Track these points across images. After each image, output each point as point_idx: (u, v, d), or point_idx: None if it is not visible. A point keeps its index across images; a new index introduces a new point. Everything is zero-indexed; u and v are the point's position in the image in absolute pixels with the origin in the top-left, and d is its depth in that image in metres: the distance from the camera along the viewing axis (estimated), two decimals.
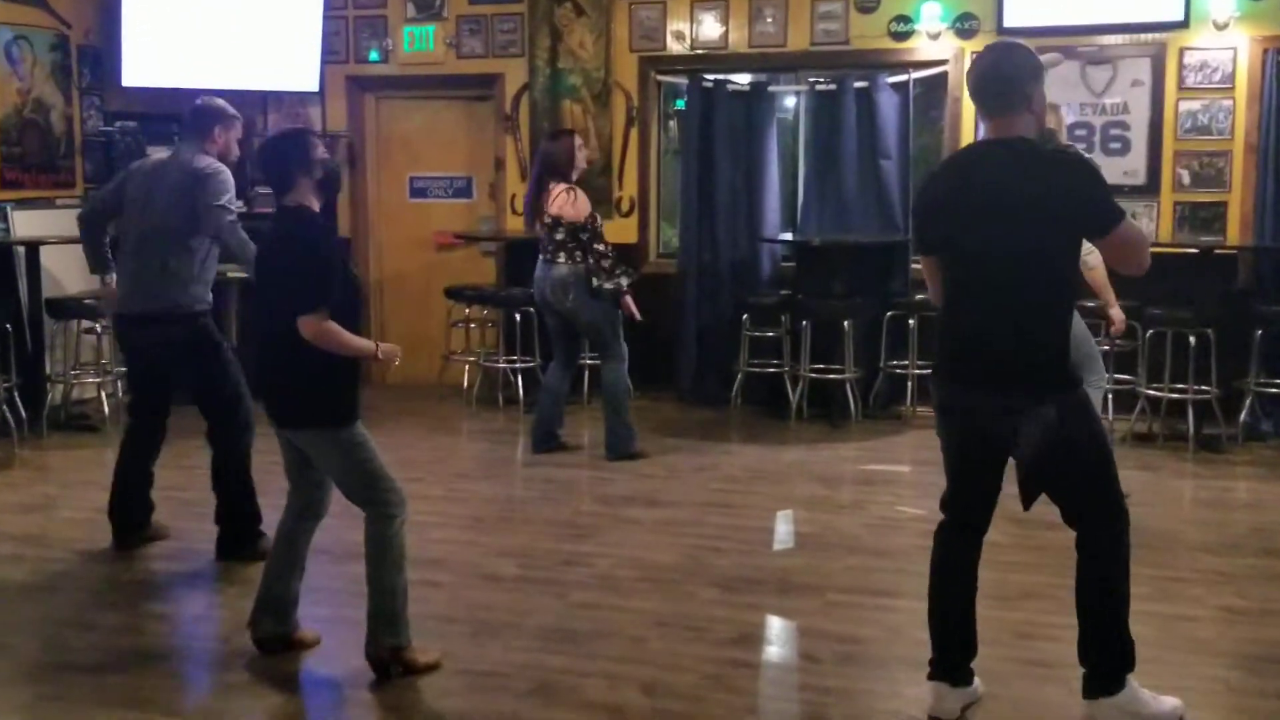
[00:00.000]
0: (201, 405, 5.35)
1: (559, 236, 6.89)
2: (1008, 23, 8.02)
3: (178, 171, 5.26)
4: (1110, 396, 7.54)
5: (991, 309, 3.59)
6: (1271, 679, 4.07)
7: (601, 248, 6.91)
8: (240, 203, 6.04)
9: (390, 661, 4.04)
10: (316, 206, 4.07)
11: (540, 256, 7.04)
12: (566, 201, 6.90)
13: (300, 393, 4.01)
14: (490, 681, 4.02)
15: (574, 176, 7.01)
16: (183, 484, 6.22)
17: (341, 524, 5.84)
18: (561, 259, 6.90)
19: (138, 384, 5.53)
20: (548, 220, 6.91)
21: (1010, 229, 3.51)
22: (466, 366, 8.76)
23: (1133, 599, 4.66)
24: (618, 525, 5.77)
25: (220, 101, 5.45)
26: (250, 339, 5.96)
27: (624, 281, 6.97)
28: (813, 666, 4.20)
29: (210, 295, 5.39)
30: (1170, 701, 3.74)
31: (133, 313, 5.30)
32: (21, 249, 7.97)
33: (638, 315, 7.03)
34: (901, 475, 6.93)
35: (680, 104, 8.96)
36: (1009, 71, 3.60)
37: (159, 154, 5.91)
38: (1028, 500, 3.74)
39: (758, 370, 8.31)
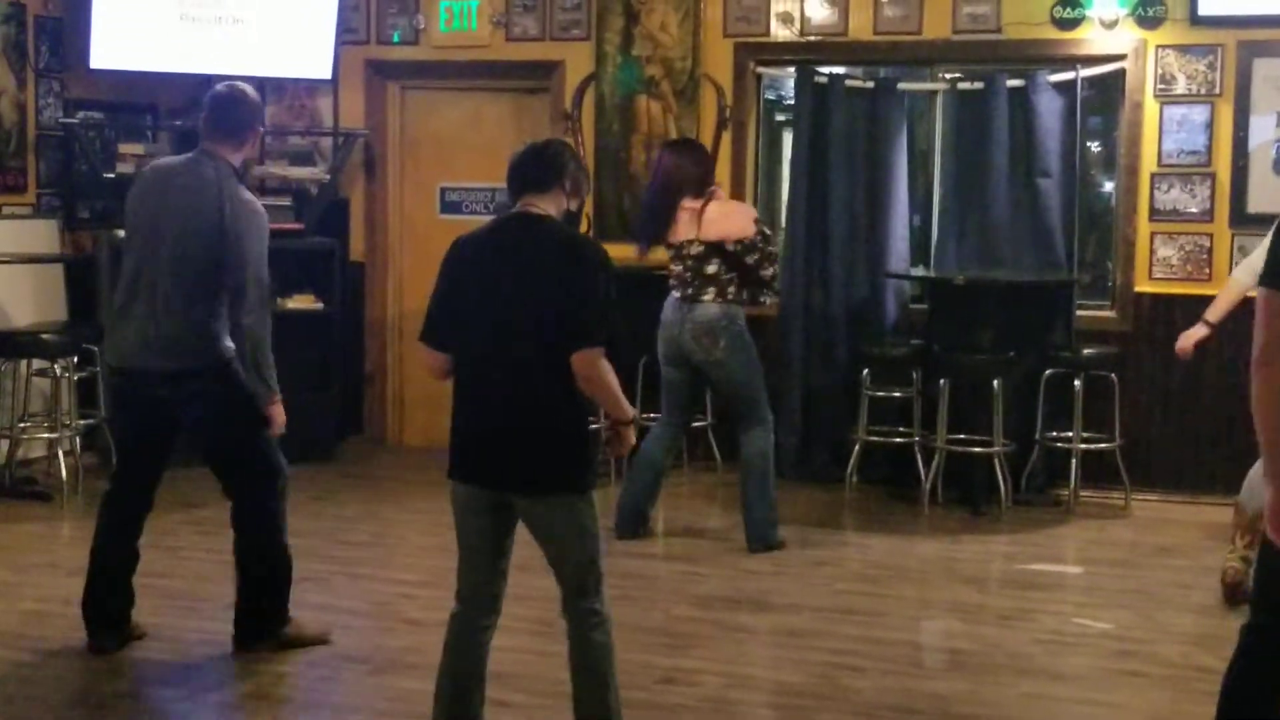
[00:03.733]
0: (227, 465, 5.39)
1: (710, 269, 6.87)
2: (1203, 10, 8.05)
3: (212, 193, 5.19)
4: None
5: None
6: None
7: (774, 270, 6.97)
8: None
9: None
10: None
11: (673, 294, 7.03)
12: (726, 217, 6.90)
13: (554, 448, 4.05)
14: None
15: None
16: (166, 569, 6.27)
17: (373, 625, 5.91)
18: (709, 296, 6.88)
19: (133, 447, 5.51)
20: (697, 250, 6.88)
21: None
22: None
23: None
24: (724, 635, 5.75)
25: (252, 91, 5.49)
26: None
27: None
28: None
29: None
30: None
31: (152, 369, 5.24)
32: None
33: None
34: (1071, 578, 6.91)
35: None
36: None
37: (164, 159, 5.83)
38: None
39: (880, 441, 8.29)
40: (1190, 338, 7.11)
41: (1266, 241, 3.67)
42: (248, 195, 5.31)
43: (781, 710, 4.99)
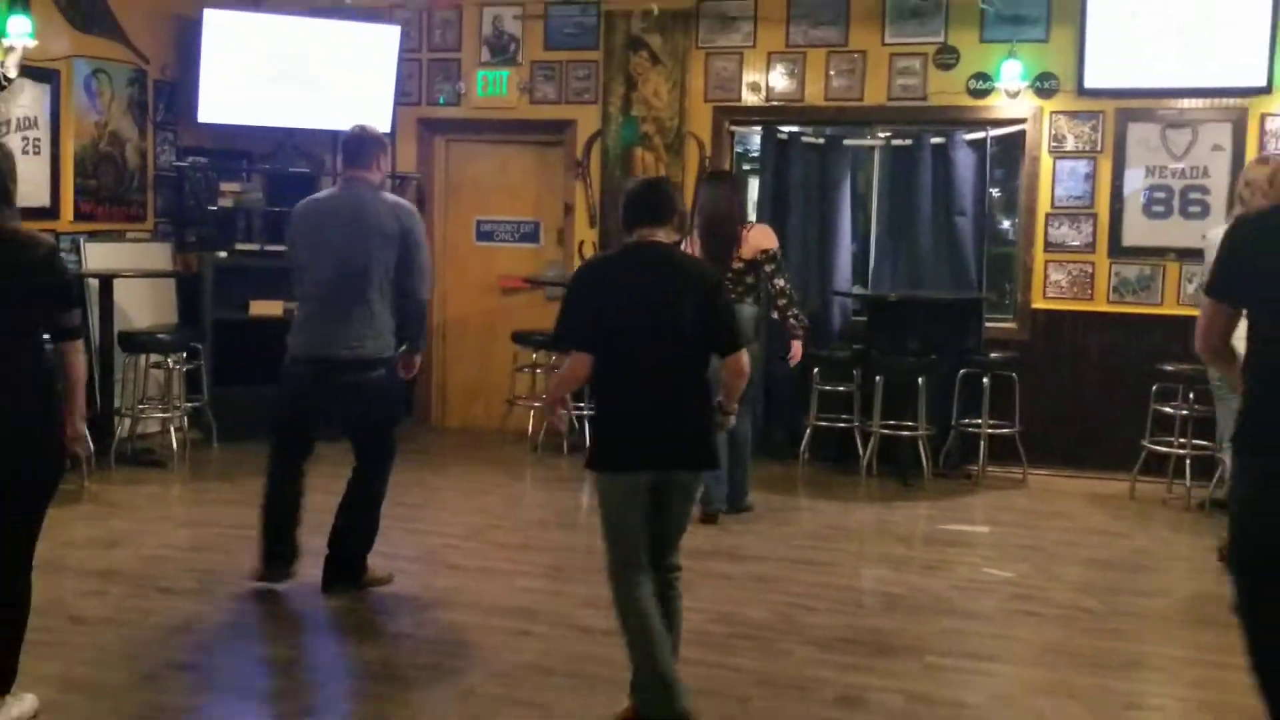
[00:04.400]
0: (370, 438, 5.37)
1: (749, 279, 6.81)
2: (1088, 83, 8.05)
3: (383, 206, 5.24)
4: (1188, 462, 7.51)
5: None
6: None
7: (785, 279, 6.89)
8: None
9: None
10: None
11: None
12: (763, 235, 6.86)
13: (704, 428, 4.03)
14: None
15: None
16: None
17: (424, 569, 5.83)
18: (750, 301, 6.83)
19: (301, 424, 5.38)
20: (739, 265, 6.75)
21: None
22: (531, 412, 8.75)
23: (1230, 670, 4.63)
24: (706, 580, 5.72)
25: (375, 129, 5.49)
26: None
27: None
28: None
29: None
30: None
31: (339, 357, 5.17)
32: (95, 282, 8.03)
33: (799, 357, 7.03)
34: (982, 536, 6.87)
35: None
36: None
37: (319, 194, 5.74)
38: None
39: (827, 425, 8.27)
40: None
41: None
42: (402, 199, 5.44)
43: (752, 640, 4.96)
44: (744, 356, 4.00)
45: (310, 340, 5.21)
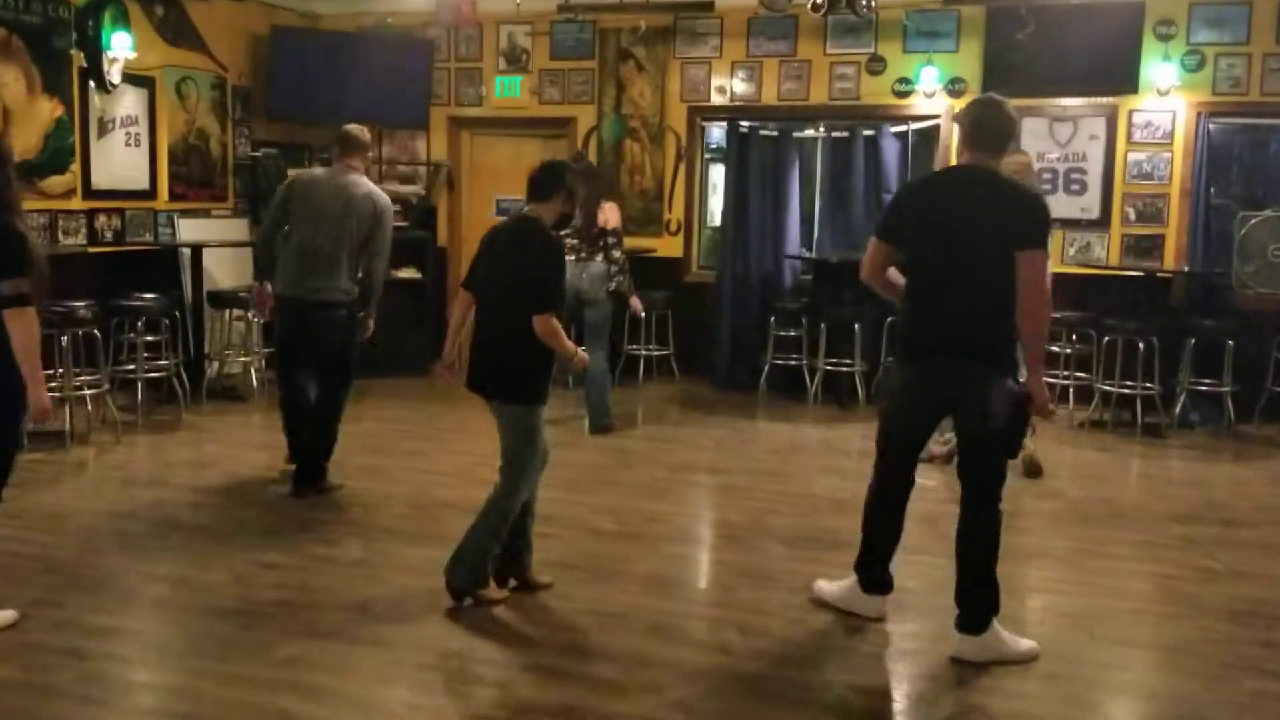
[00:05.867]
0: (331, 362, 5.30)
1: (601, 243, 6.66)
2: (990, 88, 7.80)
3: (364, 189, 5.28)
4: (1071, 390, 7.41)
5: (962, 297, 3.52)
6: (1255, 630, 3.90)
7: (620, 251, 6.80)
8: None
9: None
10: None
11: (575, 257, 6.50)
12: (613, 211, 6.81)
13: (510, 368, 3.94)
14: (613, 621, 3.83)
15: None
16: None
17: (459, 481, 5.69)
18: (599, 259, 6.66)
19: (286, 343, 5.39)
20: (595, 232, 6.64)
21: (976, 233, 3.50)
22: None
23: (1121, 559, 4.53)
24: (688, 489, 5.59)
25: (360, 129, 5.46)
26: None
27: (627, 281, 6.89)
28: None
29: None
30: (1027, 644, 3.60)
31: (309, 299, 5.22)
32: (187, 251, 7.75)
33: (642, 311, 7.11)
34: None
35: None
36: (1006, 124, 3.64)
37: (312, 170, 5.88)
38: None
39: (781, 362, 8.10)
40: None
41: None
42: (377, 188, 5.40)
43: (729, 539, 4.83)
44: (546, 321, 3.78)
45: (291, 282, 5.21)
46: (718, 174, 8.91)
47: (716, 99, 8.50)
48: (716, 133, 8.89)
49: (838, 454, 6.52)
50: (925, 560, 4.44)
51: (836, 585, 3.98)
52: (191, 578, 4.17)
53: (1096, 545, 4.79)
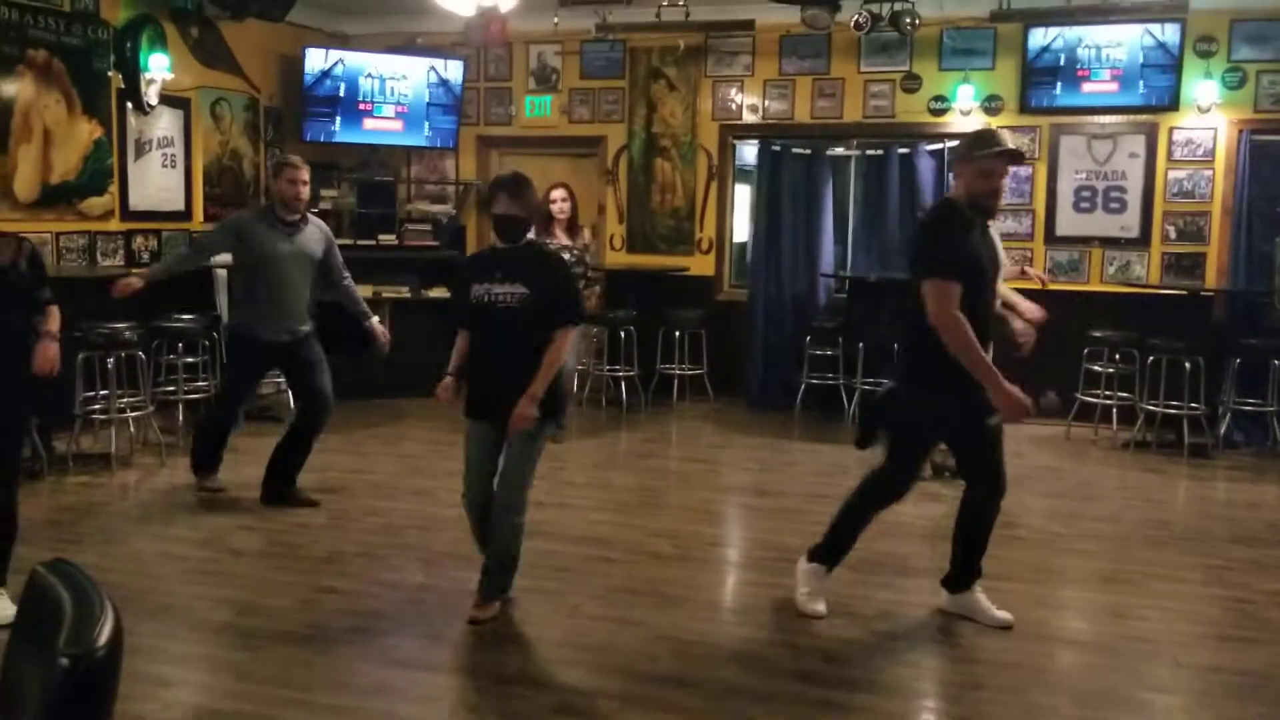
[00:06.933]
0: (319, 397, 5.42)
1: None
2: (1029, 104, 7.83)
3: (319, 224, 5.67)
4: (1114, 410, 7.38)
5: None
6: None
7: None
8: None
9: None
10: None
11: None
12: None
13: None
14: (692, 649, 3.79)
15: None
16: (368, 467, 6.03)
17: None
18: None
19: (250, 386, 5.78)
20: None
21: None
22: (574, 374, 8.49)
23: (1189, 584, 4.50)
24: (741, 512, 5.55)
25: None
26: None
27: None
28: (954, 640, 3.98)
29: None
30: (1004, 615, 4.00)
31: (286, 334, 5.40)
32: (223, 272, 7.72)
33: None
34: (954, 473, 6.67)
35: None
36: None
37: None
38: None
39: (818, 382, 8.06)
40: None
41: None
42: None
43: (790, 563, 4.73)
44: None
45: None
46: (742, 192, 8.89)
47: (748, 117, 8.51)
48: (743, 151, 8.89)
49: None
50: (998, 586, 4.39)
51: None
52: (256, 603, 4.13)
53: (1164, 569, 4.75)
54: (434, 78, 8.65)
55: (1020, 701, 3.47)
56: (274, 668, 3.59)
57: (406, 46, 8.83)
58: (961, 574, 4.14)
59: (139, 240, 7.29)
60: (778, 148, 8.39)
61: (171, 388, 6.89)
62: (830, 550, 4.14)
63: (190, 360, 6.95)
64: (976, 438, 3.93)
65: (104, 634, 1.27)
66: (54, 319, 4.04)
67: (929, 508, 5.62)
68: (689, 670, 3.61)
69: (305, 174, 5.30)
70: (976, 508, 4.08)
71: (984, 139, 3.86)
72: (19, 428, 4.09)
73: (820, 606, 4.07)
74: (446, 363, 4.29)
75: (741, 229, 8.99)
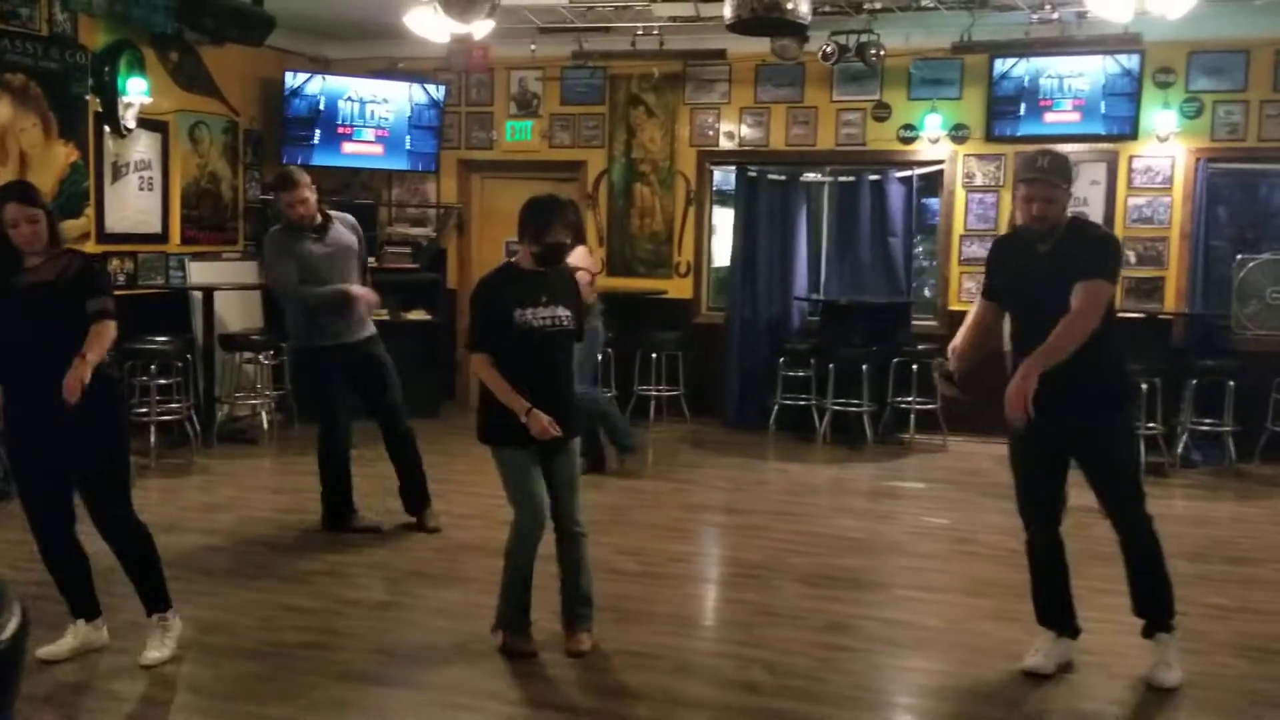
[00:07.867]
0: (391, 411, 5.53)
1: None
2: (994, 133, 8.02)
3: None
4: None
5: None
6: (1269, 665, 4.00)
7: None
8: None
9: None
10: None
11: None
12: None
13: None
14: (643, 661, 3.90)
15: None
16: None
17: (481, 524, 5.76)
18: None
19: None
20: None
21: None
22: None
23: (1125, 600, 4.61)
24: (707, 529, 5.68)
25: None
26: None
27: None
28: (897, 650, 4.10)
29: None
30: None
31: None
32: (198, 294, 7.86)
33: None
34: (919, 491, 6.82)
35: None
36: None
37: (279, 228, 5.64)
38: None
39: (790, 403, 8.20)
40: None
41: None
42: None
43: (751, 578, 4.89)
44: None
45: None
46: (720, 216, 9.05)
47: (725, 144, 8.68)
48: (720, 176, 9.06)
49: (850, 494, 6.62)
50: (949, 599, 4.53)
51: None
52: (220, 621, 4.24)
53: (1109, 584, 4.85)
54: (416, 100, 8.80)
55: (958, 713, 3.59)
56: (230, 683, 3.69)
57: (388, 71, 8.98)
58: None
59: (115, 263, 7.40)
60: (753, 173, 8.56)
61: (144, 409, 6.99)
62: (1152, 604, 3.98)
63: (163, 382, 7.06)
64: None
65: (8, 629, 1.34)
66: (95, 336, 3.56)
67: (876, 522, 5.76)
68: (639, 682, 3.72)
69: (301, 192, 5.22)
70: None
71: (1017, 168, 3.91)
72: (113, 447, 3.83)
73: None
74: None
75: (720, 252, 9.16)
